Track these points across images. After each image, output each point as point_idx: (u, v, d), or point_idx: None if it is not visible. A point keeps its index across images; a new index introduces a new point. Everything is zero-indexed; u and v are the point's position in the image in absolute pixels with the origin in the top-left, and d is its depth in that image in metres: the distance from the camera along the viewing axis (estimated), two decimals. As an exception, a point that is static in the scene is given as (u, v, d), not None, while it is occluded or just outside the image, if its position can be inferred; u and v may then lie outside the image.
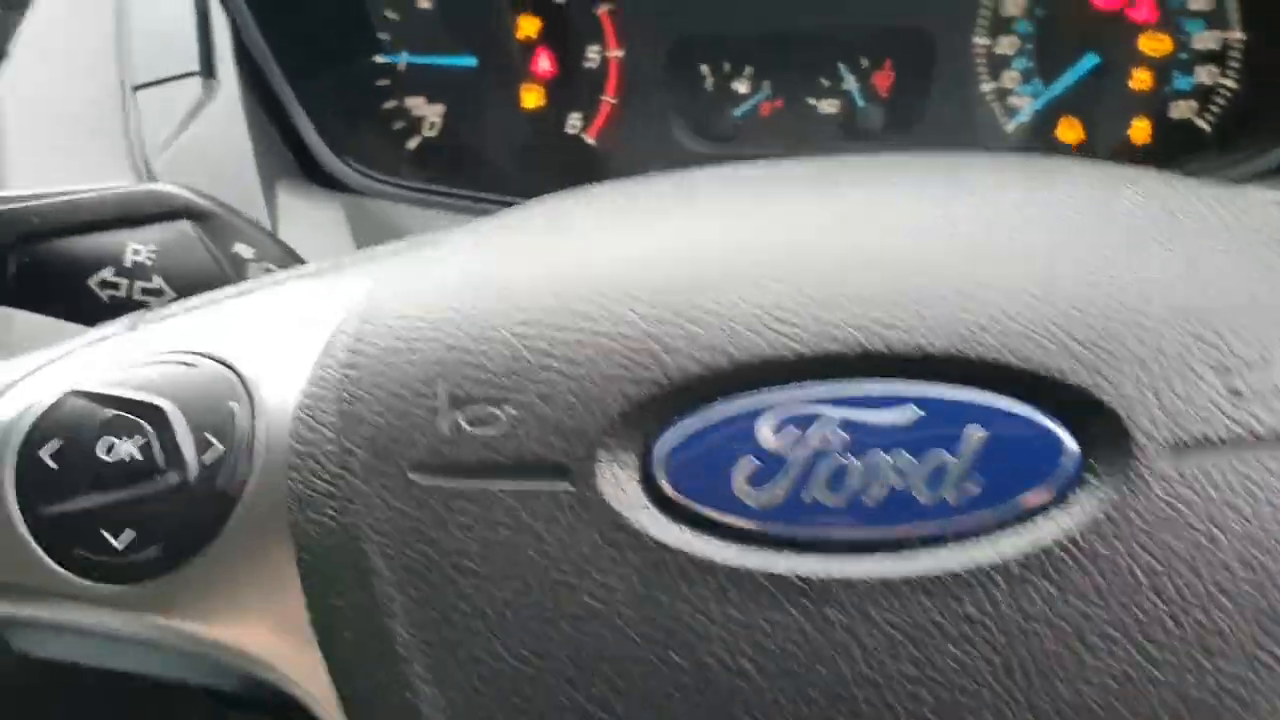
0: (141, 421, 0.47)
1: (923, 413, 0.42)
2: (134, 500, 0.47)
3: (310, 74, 1.07)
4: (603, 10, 1.18)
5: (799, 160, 0.54)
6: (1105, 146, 1.17)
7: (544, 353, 0.43)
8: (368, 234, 0.99)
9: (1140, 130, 1.17)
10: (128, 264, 0.66)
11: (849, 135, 1.18)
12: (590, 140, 1.21)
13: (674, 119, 1.18)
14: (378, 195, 1.06)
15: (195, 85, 1.00)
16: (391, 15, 1.19)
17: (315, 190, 1.02)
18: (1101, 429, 0.41)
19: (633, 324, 0.43)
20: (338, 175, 1.06)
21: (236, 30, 0.99)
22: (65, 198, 0.67)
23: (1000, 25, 1.16)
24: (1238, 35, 1.14)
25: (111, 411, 0.48)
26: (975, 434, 0.41)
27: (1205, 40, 1.15)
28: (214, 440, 0.47)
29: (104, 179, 0.96)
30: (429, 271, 0.48)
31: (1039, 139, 1.17)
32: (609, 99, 1.20)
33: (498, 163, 1.21)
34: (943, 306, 0.42)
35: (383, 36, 1.19)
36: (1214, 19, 1.15)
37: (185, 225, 0.69)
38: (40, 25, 1.01)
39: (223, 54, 1.02)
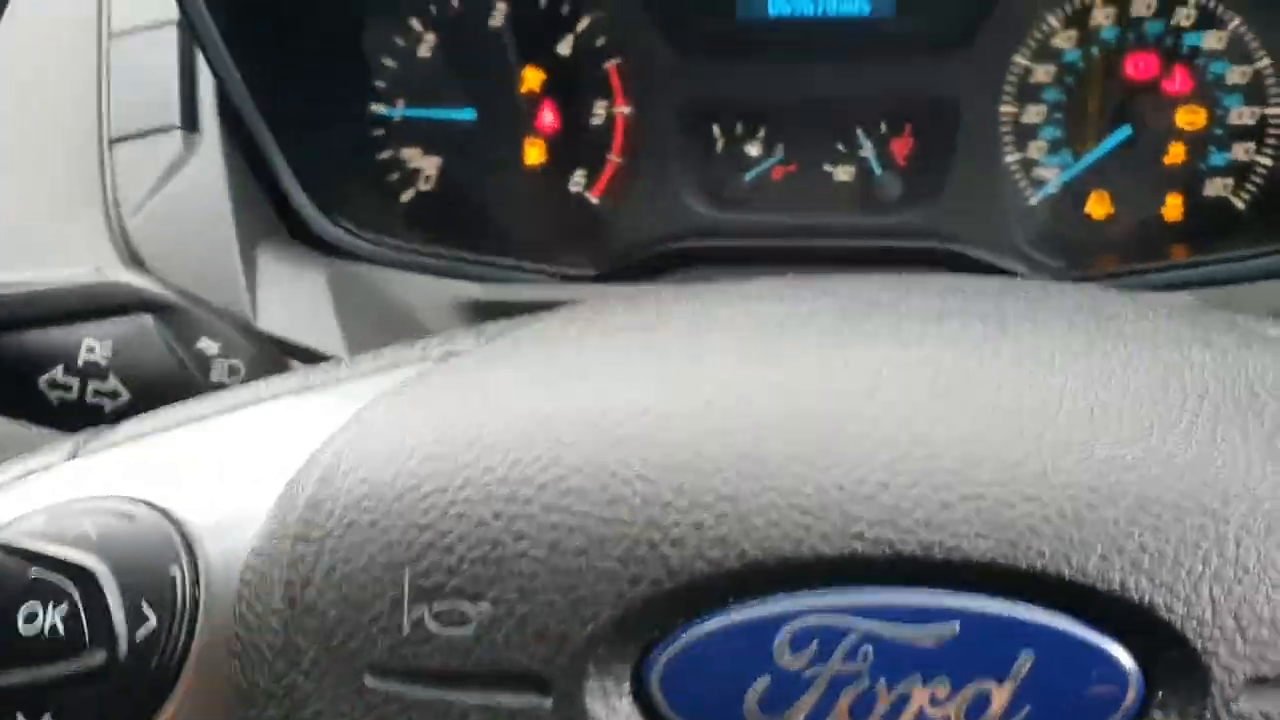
0: (68, 586, 0.42)
1: (963, 630, 0.36)
2: (55, 680, 0.41)
3: (299, 125, 1.01)
4: (611, 65, 1.13)
5: (832, 292, 0.47)
6: (1136, 223, 1.11)
7: (527, 538, 0.37)
8: (351, 303, 0.93)
9: (1173, 207, 1.11)
10: (81, 363, 0.60)
11: (865, 203, 1.12)
12: (594, 199, 1.15)
13: (682, 181, 1.12)
14: (366, 257, 1.00)
15: (176, 139, 0.94)
16: (389, 63, 1.13)
17: (298, 254, 0.96)
18: (1171, 656, 0.36)
19: (633, 508, 0.37)
20: (325, 235, 1.00)
21: (221, 82, 0.94)
22: (15, 289, 0.62)
23: (1028, 93, 1.10)
24: (1276, 111, 1.09)
25: (35, 571, 0.42)
26: (1023, 658, 0.36)
27: (1242, 115, 1.10)
28: (149, 612, 0.41)
29: (78, 240, 0.91)
30: (402, 422, 0.42)
31: (1067, 213, 1.11)
32: (615, 157, 1.14)
33: (496, 219, 1.15)
34: (988, 504, 0.36)
35: (379, 85, 1.14)
36: (1251, 93, 1.09)
37: (146, 319, 0.63)
38: (18, 72, 0.96)
39: (207, 105, 0.96)
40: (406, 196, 1.15)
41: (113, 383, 0.61)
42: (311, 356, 0.88)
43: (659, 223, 1.12)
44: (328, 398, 0.48)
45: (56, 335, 0.62)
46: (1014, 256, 1.08)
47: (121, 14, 0.98)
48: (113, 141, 0.94)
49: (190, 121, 0.95)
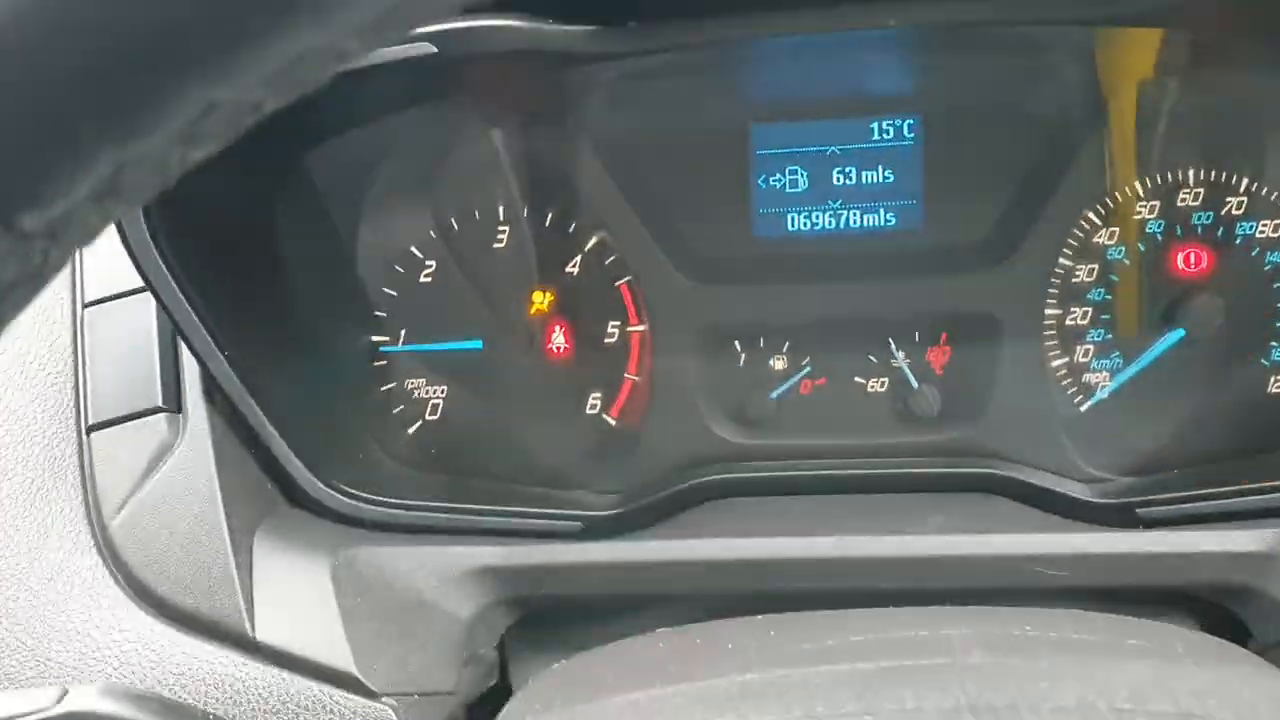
0: None
1: None
2: None
3: (293, 385, 0.94)
4: (623, 284, 1.06)
5: None
6: (1199, 428, 1.02)
7: None
8: (355, 595, 0.86)
9: (1238, 408, 1.01)
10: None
11: (902, 420, 1.04)
12: (612, 421, 1.08)
13: (705, 401, 1.05)
14: (369, 523, 0.93)
15: (160, 422, 0.87)
16: (390, 293, 1.07)
17: (297, 538, 0.88)
18: None
19: None
20: (325, 502, 0.93)
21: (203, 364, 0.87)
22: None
23: (1071, 294, 1.02)
24: (1342, 298, 1.01)
25: None
26: None
27: (1305, 304, 1.02)
28: None
29: (56, 551, 0.84)
30: None
31: (1121, 421, 1.02)
32: (632, 376, 1.07)
33: (509, 448, 1.07)
34: None
35: (380, 315, 1.07)
36: (1313, 280, 1.01)
37: (114, 752, 0.56)
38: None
39: (191, 377, 0.90)
40: (413, 429, 1.08)
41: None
42: (315, 671, 0.80)
43: (682, 447, 1.04)
44: None
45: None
46: (1068, 473, 1.00)
47: (95, 281, 0.91)
48: (90, 429, 0.87)
49: (174, 401, 0.88)
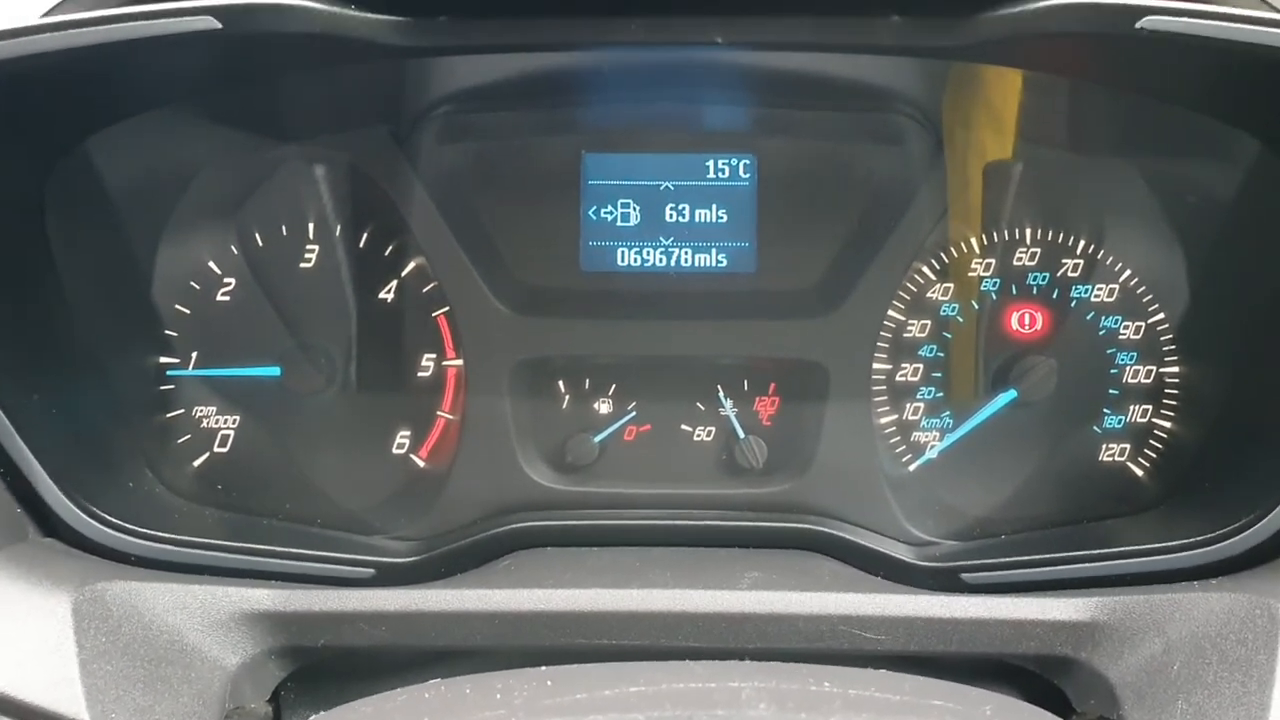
0: None
1: None
2: None
3: (50, 393, 0.85)
4: (440, 315, 0.99)
5: None
6: (1026, 493, 0.98)
7: None
8: (101, 634, 0.75)
9: (1066, 475, 0.98)
10: None
11: (726, 471, 0.98)
12: (420, 462, 1.00)
13: (520, 443, 0.98)
14: (135, 557, 0.84)
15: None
16: (182, 310, 0.98)
17: (38, 570, 0.78)
18: None
19: None
20: (83, 531, 0.83)
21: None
22: None
23: (903, 349, 0.99)
24: (1173, 370, 0.99)
25: None
26: None
27: (1137, 374, 1.00)
28: None
29: None
30: None
31: (949, 482, 0.99)
32: (445, 414, 1.00)
33: (304, 488, 0.98)
34: None
35: (170, 335, 0.98)
36: (1146, 350, 0.99)
37: None
38: None
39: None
40: (198, 462, 0.98)
41: None
42: (39, 717, 0.70)
43: (493, 491, 0.97)
44: None
45: None
46: (893, 534, 0.96)
47: None
48: None
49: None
